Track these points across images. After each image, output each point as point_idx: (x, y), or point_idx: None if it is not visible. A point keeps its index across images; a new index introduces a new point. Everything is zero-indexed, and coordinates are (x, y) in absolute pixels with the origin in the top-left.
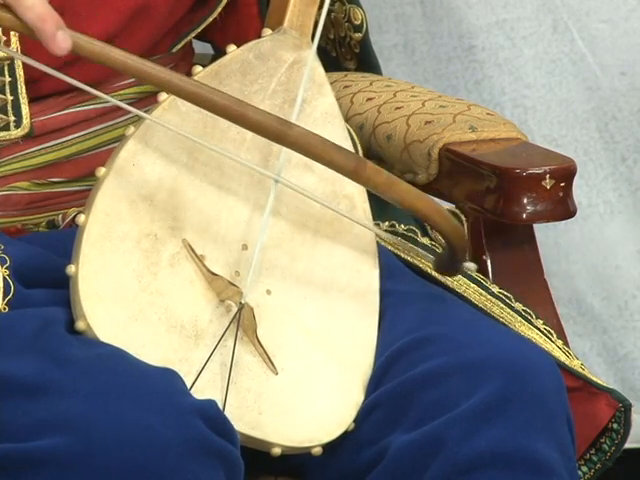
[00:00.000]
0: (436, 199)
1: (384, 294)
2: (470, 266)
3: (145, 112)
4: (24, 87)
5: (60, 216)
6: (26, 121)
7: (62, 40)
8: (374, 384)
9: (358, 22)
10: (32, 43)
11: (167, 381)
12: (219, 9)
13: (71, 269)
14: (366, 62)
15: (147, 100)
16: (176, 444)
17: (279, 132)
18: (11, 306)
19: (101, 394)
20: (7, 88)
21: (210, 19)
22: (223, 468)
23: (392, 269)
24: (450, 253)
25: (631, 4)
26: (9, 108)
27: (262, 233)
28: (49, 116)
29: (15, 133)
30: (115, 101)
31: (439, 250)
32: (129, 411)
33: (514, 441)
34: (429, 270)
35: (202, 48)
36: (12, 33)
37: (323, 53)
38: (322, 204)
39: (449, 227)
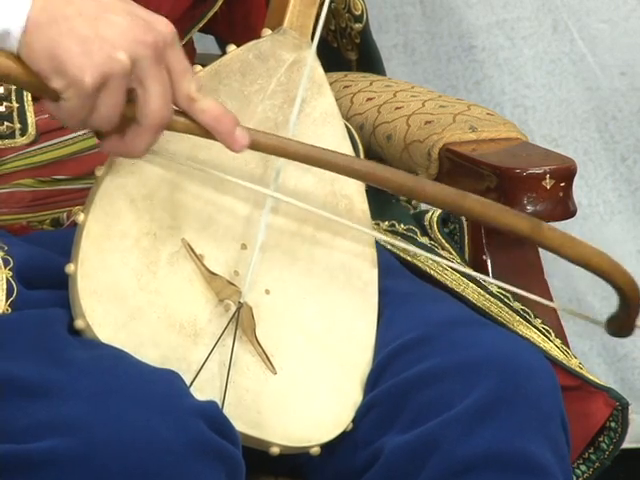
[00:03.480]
0: None
1: (382, 293)
2: None
3: None
4: (29, 95)
5: (65, 214)
6: (31, 129)
7: (241, 138)
8: (371, 384)
9: (358, 12)
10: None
11: (168, 382)
12: (219, 3)
13: (70, 268)
14: (367, 53)
15: None
16: (177, 445)
17: (455, 203)
18: (14, 307)
19: (102, 395)
20: (13, 96)
21: (211, 13)
22: (224, 469)
23: (391, 269)
24: (626, 310)
25: (631, 4)
26: (15, 115)
27: (261, 233)
28: None
29: (21, 141)
30: None
31: (439, 250)
32: (130, 412)
33: (508, 442)
34: (428, 270)
35: (203, 48)
36: None
37: (324, 44)
38: (319, 213)
39: (627, 283)
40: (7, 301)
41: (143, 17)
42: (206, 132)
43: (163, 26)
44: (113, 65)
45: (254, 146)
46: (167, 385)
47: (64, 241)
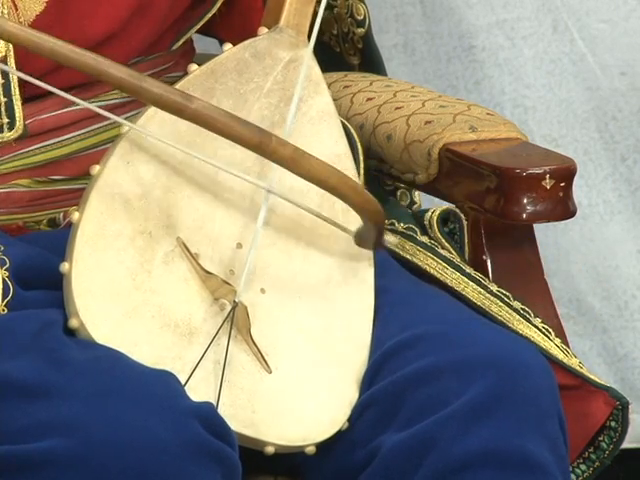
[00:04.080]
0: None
1: (379, 292)
2: (391, 240)
3: (144, 109)
4: (17, 89)
5: (61, 214)
6: (19, 123)
7: None
8: (367, 383)
9: (361, 17)
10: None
11: (165, 383)
12: (218, 5)
13: (65, 267)
14: (369, 57)
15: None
16: (173, 446)
17: (179, 105)
18: (10, 308)
19: (99, 396)
20: (0, 90)
21: (209, 15)
22: (220, 470)
23: (387, 267)
24: (367, 228)
25: (631, 4)
26: (2, 110)
27: (257, 232)
28: (47, 115)
29: (8, 135)
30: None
31: (438, 249)
32: (127, 413)
33: (505, 440)
34: (427, 268)
35: (203, 47)
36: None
37: (327, 49)
38: (313, 213)
39: (363, 200)
40: (3, 301)
41: None
42: None
43: None
44: None
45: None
46: (164, 386)
47: (61, 241)
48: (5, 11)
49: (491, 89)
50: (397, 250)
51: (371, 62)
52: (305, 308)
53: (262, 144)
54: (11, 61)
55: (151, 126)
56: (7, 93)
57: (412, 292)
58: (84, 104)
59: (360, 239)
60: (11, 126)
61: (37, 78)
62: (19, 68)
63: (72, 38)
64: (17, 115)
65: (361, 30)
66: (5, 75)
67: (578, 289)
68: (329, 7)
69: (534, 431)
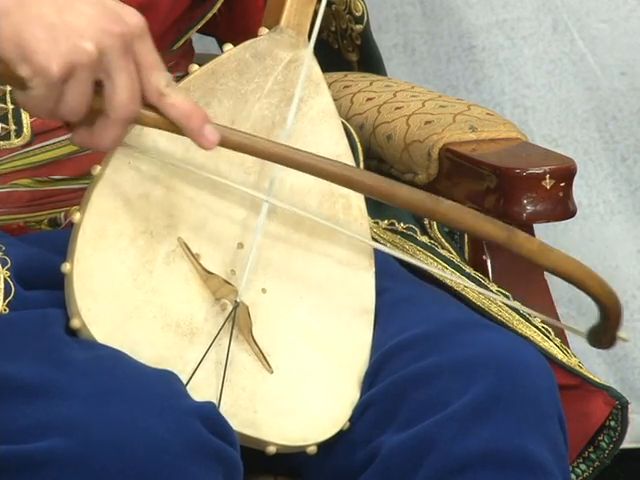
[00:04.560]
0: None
1: (379, 293)
2: (623, 336)
3: None
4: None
5: (62, 214)
6: (27, 130)
7: (210, 134)
8: (368, 383)
9: (359, 14)
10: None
11: (166, 383)
12: (218, 4)
13: (66, 267)
14: (368, 54)
15: None
16: (174, 446)
17: (429, 207)
18: (11, 308)
19: (100, 396)
20: (7, 97)
21: (210, 14)
22: (222, 470)
23: (388, 268)
24: (605, 321)
25: (631, 4)
26: (10, 117)
27: (258, 232)
28: None
29: (16, 142)
30: None
31: (438, 249)
32: (128, 413)
33: (506, 440)
34: (427, 267)
35: (203, 47)
36: None
37: (325, 46)
38: (313, 218)
39: (605, 294)
40: (4, 301)
41: (112, 8)
42: (175, 127)
43: (132, 17)
44: (80, 54)
45: (224, 143)
46: (165, 386)
47: (62, 241)
48: None
49: (491, 89)
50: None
51: (370, 59)
52: (306, 308)
53: (510, 240)
54: None
55: (150, 134)
56: (15, 100)
57: (412, 292)
58: None
59: (595, 335)
60: (18, 133)
61: None
62: None
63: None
64: (25, 122)
65: (359, 26)
66: None
67: (578, 289)
68: (327, 4)
69: (534, 431)
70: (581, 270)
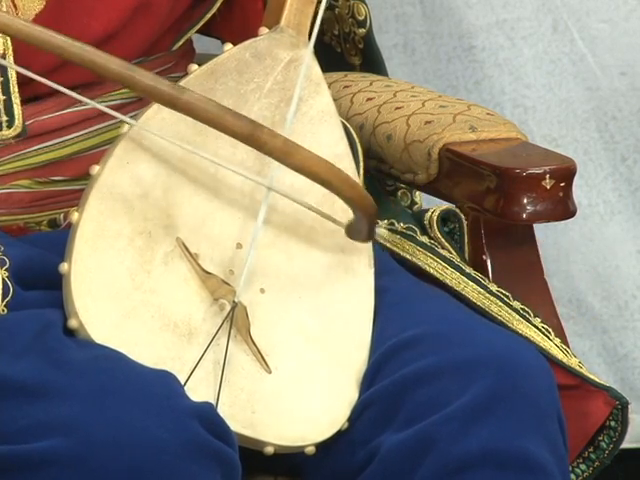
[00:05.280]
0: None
1: (379, 292)
2: (381, 232)
3: (144, 109)
4: (16, 87)
5: (62, 215)
6: (18, 121)
7: None
8: (367, 383)
9: (362, 17)
10: (25, 47)
11: (164, 383)
12: (218, 4)
13: (64, 267)
14: (370, 58)
15: (146, 99)
16: (173, 446)
17: (170, 96)
18: (10, 308)
19: (99, 396)
20: None
21: (209, 15)
22: (220, 470)
23: (388, 267)
24: (359, 220)
25: (631, 4)
26: (1, 108)
27: (256, 232)
28: (48, 116)
29: (7, 133)
30: (98, 105)
31: (438, 249)
32: (126, 413)
33: (505, 440)
34: (427, 268)
35: (203, 47)
36: (1, 39)
37: (328, 49)
38: (314, 210)
39: (354, 193)
40: (3, 301)
41: None
42: None
43: None
44: None
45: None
46: (163, 386)
47: (61, 242)
48: (4, 9)
49: (491, 89)
50: (394, 248)
51: (372, 62)
52: (305, 308)
53: (253, 136)
54: (10, 59)
55: (152, 126)
56: (6, 91)
57: (412, 292)
58: (85, 100)
59: (351, 231)
60: (10, 124)
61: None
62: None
63: (72, 36)
64: (16, 113)
65: (362, 30)
66: (4, 73)
67: (578, 289)
68: (330, 7)
69: (534, 431)
70: (327, 169)
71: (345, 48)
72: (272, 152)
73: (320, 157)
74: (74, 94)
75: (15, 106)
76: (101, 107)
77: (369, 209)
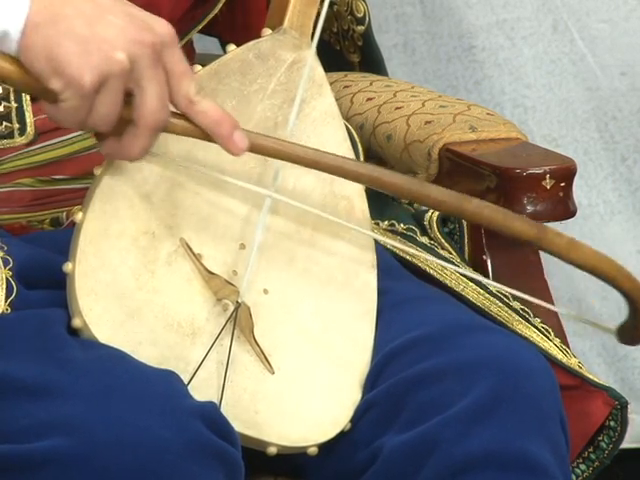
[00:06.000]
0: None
1: (381, 294)
2: None
3: None
4: (28, 95)
5: (64, 214)
6: (30, 128)
7: (239, 141)
8: (370, 384)
9: (361, 15)
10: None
11: (167, 383)
12: (219, 5)
13: (68, 266)
14: (369, 55)
15: None
16: (176, 446)
17: (457, 206)
18: (14, 307)
19: (101, 396)
20: (11, 96)
21: (211, 15)
22: (223, 470)
23: (390, 269)
24: (634, 316)
25: (631, 4)
26: (13, 115)
27: (259, 232)
28: None
29: (19, 141)
30: None
31: (438, 249)
32: (129, 413)
33: (507, 442)
34: (428, 269)
35: (203, 48)
36: None
37: (327, 46)
38: (317, 212)
39: (635, 289)
40: (7, 301)
41: (141, 18)
42: (205, 135)
43: (162, 27)
44: (112, 65)
45: (253, 149)
46: (166, 386)
47: (64, 241)
48: None
49: (491, 89)
50: (398, 252)
51: (371, 60)
52: (308, 309)
53: (539, 237)
54: None
55: None
56: (18, 99)
57: (414, 294)
58: None
59: (624, 331)
60: (22, 132)
61: None
62: None
63: None
64: (28, 121)
65: (361, 28)
66: None
67: (578, 289)
68: (329, 5)
69: (536, 433)
70: (611, 266)
71: (344, 45)
72: (557, 251)
73: (601, 254)
74: None
75: (27, 113)
76: None
77: None
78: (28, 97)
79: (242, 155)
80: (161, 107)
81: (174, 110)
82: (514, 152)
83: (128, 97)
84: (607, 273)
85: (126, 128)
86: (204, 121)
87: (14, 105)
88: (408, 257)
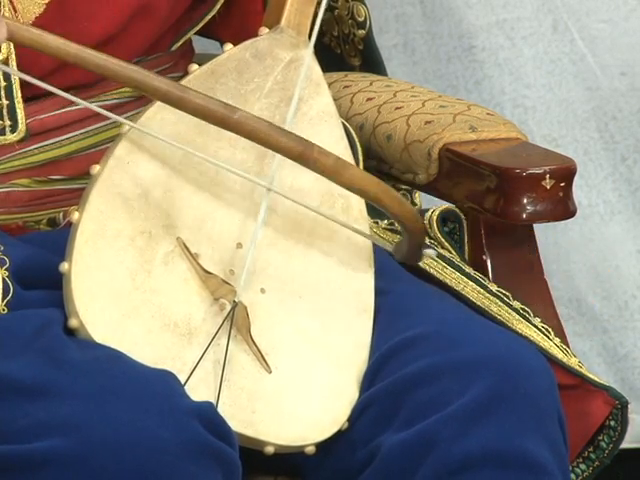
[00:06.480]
0: (436, 198)
1: (379, 293)
2: (430, 252)
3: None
4: (19, 91)
5: (61, 214)
6: (22, 126)
7: None
8: (367, 383)
9: (361, 19)
10: (27, 50)
11: (164, 383)
12: (218, 6)
13: (64, 266)
14: (370, 59)
15: (146, 98)
16: (173, 446)
17: (222, 116)
18: (10, 307)
19: (99, 396)
20: (2, 92)
21: (209, 16)
22: (221, 470)
23: (387, 268)
24: (407, 238)
25: (631, 4)
26: (4, 112)
27: (256, 232)
28: (47, 115)
29: (11, 138)
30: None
31: (438, 249)
32: (127, 413)
33: (505, 440)
34: (427, 268)
35: (202, 47)
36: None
37: (327, 50)
38: (315, 211)
39: (403, 210)
40: (3, 301)
41: None
42: None
43: None
44: None
45: (14, 39)
46: (164, 386)
47: (61, 241)
48: (6, 13)
49: (491, 89)
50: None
51: (372, 63)
52: (305, 308)
53: (304, 154)
54: (13, 63)
55: (152, 126)
56: (9, 95)
57: (412, 292)
58: (84, 103)
59: (399, 252)
60: (13, 129)
61: (39, 78)
62: (21, 69)
63: (72, 39)
64: (19, 117)
65: (362, 32)
66: (7, 77)
67: (578, 289)
68: (330, 8)
69: (534, 431)
70: (379, 188)
71: (345, 49)
72: (322, 170)
73: (370, 175)
74: (70, 96)
75: (18, 110)
76: (102, 111)
77: (418, 228)
78: (20, 94)
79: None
80: None
81: None
82: (514, 152)
83: None
84: (375, 196)
85: None
86: None
87: (5, 102)
88: None
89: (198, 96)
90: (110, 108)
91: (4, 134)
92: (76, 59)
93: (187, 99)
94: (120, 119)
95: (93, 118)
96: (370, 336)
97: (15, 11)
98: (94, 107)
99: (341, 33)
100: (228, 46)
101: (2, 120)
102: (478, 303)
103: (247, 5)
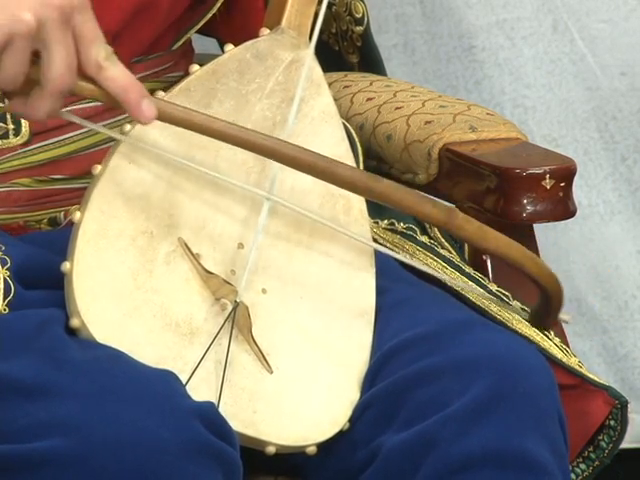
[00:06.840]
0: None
1: (379, 293)
2: (565, 318)
3: None
4: None
5: (62, 213)
6: (25, 129)
7: (147, 109)
8: (368, 383)
9: (359, 15)
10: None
11: (165, 383)
12: (218, 4)
13: (66, 266)
14: (368, 56)
15: None
16: (174, 446)
17: (367, 186)
18: (11, 307)
19: (99, 396)
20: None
21: (209, 15)
22: (221, 470)
23: (388, 268)
24: (545, 302)
25: (631, 4)
26: (8, 116)
27: (258, 232)
28: None
29: (15, 141)
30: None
31: (438, 249)
32: (127, 413)
33: (506, 440)
34: (427, 268)
35: (202, 47)
36: None
37: (326, 47)
38: (315, 219)
39: (545, 275)
40: (4, 301)
41: None
42: (113, 100)
43: None
44: (17, 25)
45: (162, 118)
46: (164, 386)
47: (62, 241)
48: None
49: (491, 89)
50: (394, 248)
51: (370, 60)
52: (306, 308)
53: (449, 223)
54: None
55: (153, 129)
56: None
57: (412, 293)
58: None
59: (535, 315)
60: (17, 132)
61: None
62: None
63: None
64: (23, 121)
65: (360, 28)
66: None
67: (578, 289)
68: (328, 5)
69: (534, 431)
70: (521, 253)
71: (343, 46)
72: (468, 237)
73: (511, 240)
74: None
75: None
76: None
77: (559, 291)
78: None
79: (150, 123)
80: (67, 71)
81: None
82: (514, 152)
83: (37, 58)
84: (518, 261)
85: (33, 88)
86: (112, 87)
87: None
88: (408, 256)
89: (346, 167)
90: (110, 109)
91: (7, 137)
92: (223, 137)
93: (335, 172)
94: (116, 136)
95: (94, 117)
96: (371, 336)
97: None
98: (96, 127)
99: (339, 30)
100: (229, 47)
101: (5, 124)
102: (478, 303)
103: (248, 4)
